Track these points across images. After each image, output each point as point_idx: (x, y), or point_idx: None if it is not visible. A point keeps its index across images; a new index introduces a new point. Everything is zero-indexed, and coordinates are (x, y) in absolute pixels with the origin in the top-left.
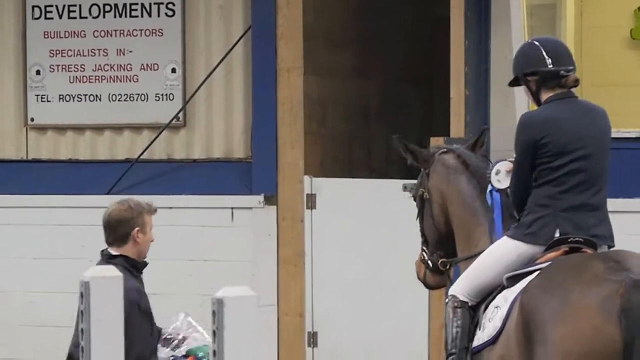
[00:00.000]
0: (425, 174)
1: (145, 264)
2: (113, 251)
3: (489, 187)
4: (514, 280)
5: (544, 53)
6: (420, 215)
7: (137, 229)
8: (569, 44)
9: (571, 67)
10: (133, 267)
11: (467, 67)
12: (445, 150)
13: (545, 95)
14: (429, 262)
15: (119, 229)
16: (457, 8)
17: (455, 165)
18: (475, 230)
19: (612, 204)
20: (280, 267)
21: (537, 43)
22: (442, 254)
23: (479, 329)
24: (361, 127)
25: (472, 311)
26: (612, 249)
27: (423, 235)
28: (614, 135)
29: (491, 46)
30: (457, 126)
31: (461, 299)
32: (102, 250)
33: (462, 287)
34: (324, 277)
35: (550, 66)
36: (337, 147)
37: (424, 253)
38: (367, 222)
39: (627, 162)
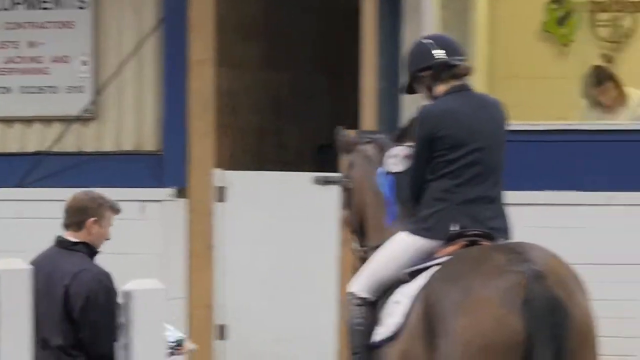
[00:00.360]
0: (349, 164)
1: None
2: (72, 237)
3: (382, 170)
4: (413, 275)
5: (433, 46)
6: (346, 205)
7: (94, 218)
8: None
9: (462, 57)
10: (92, 255)
11: (379, 59)
12: (368, 140)
13: (441, 89)
14: (357, 252)
15: (77, 214)
16: None
17: (373, 155)
18: (383, 221)
19: (516, 196)
20: (191, 260)
21: (424, 40)
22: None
23: (379, 325)
24: (272, 120)
25: (373, 307)
26: (513, 241)
27: (350, 225)
28: (522, 127)
29: (404, 38)
30: (369, 118)
31: (361, 295)
32: (58, 237)
33: (361, 283)
34: (234, 269)
35: (441, 57)
36: (247, 139)
37: (354, 243)
38: (278, 215)
39: (535, 154)
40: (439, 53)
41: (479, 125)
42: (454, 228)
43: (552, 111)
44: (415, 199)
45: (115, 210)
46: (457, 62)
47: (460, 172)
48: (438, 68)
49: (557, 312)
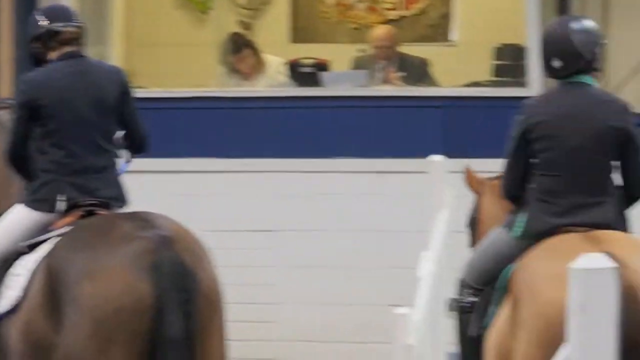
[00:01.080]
0: None
1: None
2: None
3: None
4: (32, 247)
5: (40, 16)
6: None
7: None
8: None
9: (69, 23)
10: None
11: (16, 27)
12: (4, 105)
13: (52, 57)
14: None
15: None
16: None
17: (7, 122)
18: (10, 188)
19: (155, 163)
20: None
21: (35, 11)
22: None
23: (0, 298)
24: None
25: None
26: (136, 210)
27: None
28: (160, 95)
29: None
30: (5, 87)
31: None
32: None
33: None
34: None
35: (44, 25)
36: None
37: None
38: None
39: (173, 122)
40: (43, 21)
41: (79, 94)
42: (61, 199)
43: (191, 79)
44: (16, 167)
45: None
46: (61, 28)
47: (64, 143)
48: (44, 36)
49: (185, 277)
